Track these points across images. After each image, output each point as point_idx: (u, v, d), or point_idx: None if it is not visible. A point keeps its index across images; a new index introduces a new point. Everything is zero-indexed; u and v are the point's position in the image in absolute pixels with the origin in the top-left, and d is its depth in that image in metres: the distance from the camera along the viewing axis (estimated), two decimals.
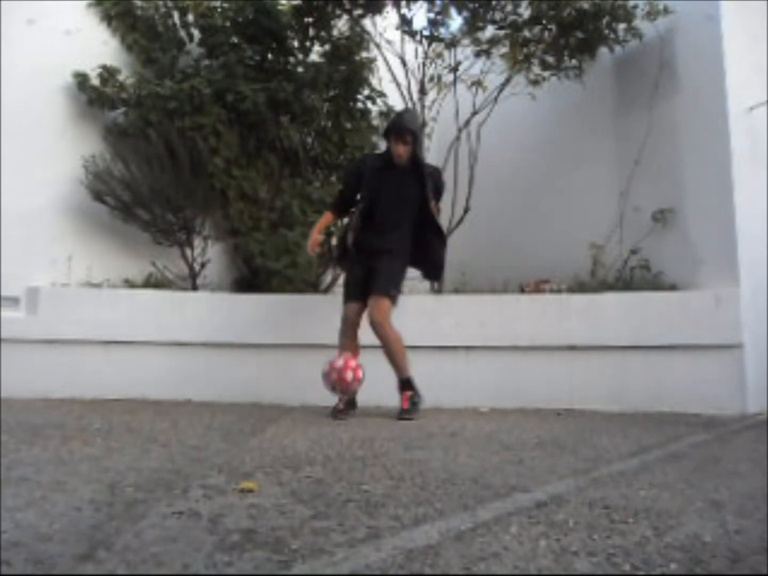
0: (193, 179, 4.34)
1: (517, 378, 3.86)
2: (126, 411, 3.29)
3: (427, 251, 3.53)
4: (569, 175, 4.91)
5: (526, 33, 4.48)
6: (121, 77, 4.51)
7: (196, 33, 4.87)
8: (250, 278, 4.61)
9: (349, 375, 3.16)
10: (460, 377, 3.89)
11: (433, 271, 3.70)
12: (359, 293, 3.39)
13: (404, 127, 3.44)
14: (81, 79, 4.39)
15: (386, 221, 3.44)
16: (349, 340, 3.40)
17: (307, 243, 3.65)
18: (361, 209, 3.47)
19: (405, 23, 4.58)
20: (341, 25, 5.02)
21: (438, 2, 4.53)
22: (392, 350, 3.32)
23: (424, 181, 3.48)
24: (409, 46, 4.69)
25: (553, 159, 5.06)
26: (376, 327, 3.29)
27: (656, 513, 1.60)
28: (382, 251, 3.40)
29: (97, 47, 4.56)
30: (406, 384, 3.37)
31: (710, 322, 3.74)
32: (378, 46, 4.74)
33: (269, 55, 4.95)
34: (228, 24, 4.81)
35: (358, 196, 3.55)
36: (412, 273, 4.57)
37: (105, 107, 4.46)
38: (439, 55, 4.79)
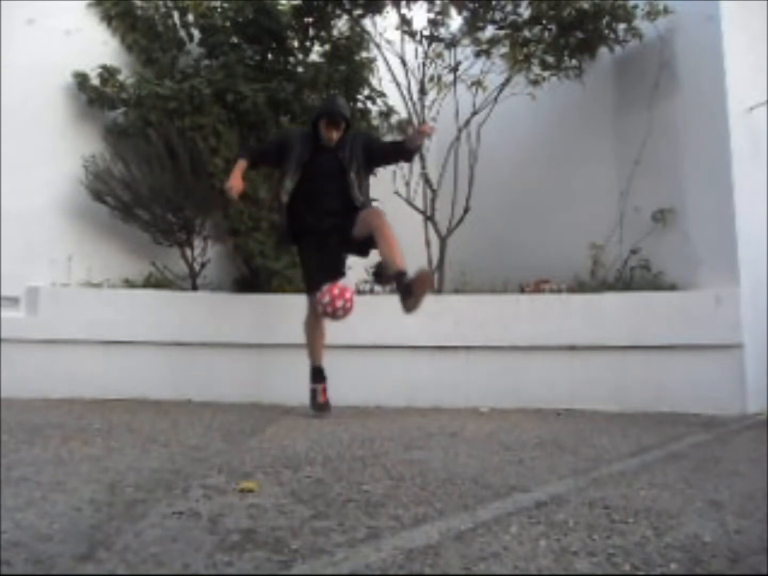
0: (193, 179, 4.33)
1: (517, 378, 3.86)
2: (126, 411, 3.29)
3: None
4: (569, 175, 4.91)
5: (526, 33, 4.48)
6: (121, 77, 4.51)
7: (196, 33, 4.87)
8: (250, 278, 4.60)
9: (339, 303, 3.04)
10: (460, 377, 3.89)
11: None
12: (325, 276, 3.24)
13: (340, 114, 3.37)
14: (81, 79, 4.38)
15: (321, 200, 3.37)
16: (321, 335, 3.40)
17: (226, 187, 3.39)
18: (291, 189, 3.38)
19: (405, 23, 4.58)
20: (341, 25, 5.01)
21: (438, 2, 4.54)
22: (392, 238, 3.11)
23: (341, 157, 3.39)
24: (409, 46, 4.69)
25: (553, 159, 5.06)
26: (373, 216, 3.18)
27: (656, 513, 1.60)
28: (331, 229, 3.35)
29: (97, 47, 4.55)
30: (405, 275, 3.02)
31: (710, 322, 3.74)
32: (378, 46, 4.74)
33: (269, 55, 4.95)
34: (228, 24, 4.80)
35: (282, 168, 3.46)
36: (412, 272, 4.59)
37: (105, 107, 4.46)
38: (439, 55, 4.79)
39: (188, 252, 4.47)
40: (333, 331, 3.65)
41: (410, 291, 2.93)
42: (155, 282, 4.32)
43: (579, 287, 4.24)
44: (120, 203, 4.30)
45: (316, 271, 3.39)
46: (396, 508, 1.59)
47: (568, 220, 4.83)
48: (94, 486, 1.74)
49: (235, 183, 3.40)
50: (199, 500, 1.63)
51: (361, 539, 1.35)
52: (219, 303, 4.13)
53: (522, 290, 4.37)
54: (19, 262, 3.98)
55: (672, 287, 4.01)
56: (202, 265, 4.52)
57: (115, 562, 1.19)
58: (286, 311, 4.02)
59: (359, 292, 4.49)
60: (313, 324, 3.42)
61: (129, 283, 4.26)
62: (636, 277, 4.21)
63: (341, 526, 1.43)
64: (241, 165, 3.52)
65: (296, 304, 4.05)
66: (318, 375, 3.46)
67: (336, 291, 3.04)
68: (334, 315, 3.07)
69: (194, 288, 4.42)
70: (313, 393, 3.42)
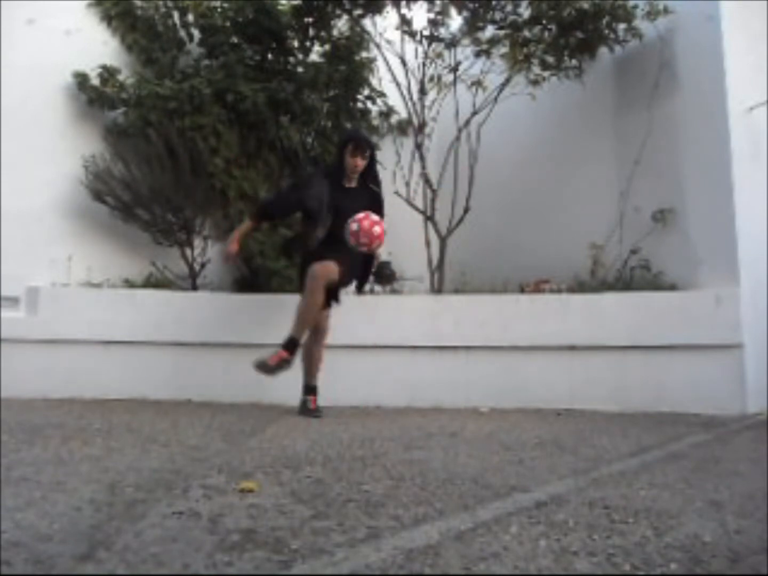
0: (193, 179, 4.33)
1: (517, 378, 3.86)
2: (126, 411, 3.29)
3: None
4: (569, 175, 4.91)
5: (526, 33, 4.47)
6: (121, 77, 4.51)
7: (196, 33, 4.87)
8: (250, 278, 4.61)
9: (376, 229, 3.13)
10: (460, 377, 3.89)
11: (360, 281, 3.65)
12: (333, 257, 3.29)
13: (366, 140, 3.50)
14: (81, 79, 4.39)
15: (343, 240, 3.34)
16: (318, 359, 3.44)
17: (225, 252, 3.56)
18: (316, 228, 3.40)
19: (405, 23, 4.57)
20: (341, 25, 5.02)
21: (438, 2, 4.54)
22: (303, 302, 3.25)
23: (375, 198, 3.53)
24: (409, 46, 4.68)
25: (553, 159, 5.06)
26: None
27: (656, 513, 1.60)
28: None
29: (97, 47, 4.56)
30: (292, 345, 3.19)
31: (710, 322, 3.74)
32: (378, 46, 4.74)
33: (269, 55, 4.95)
34: (228, 24, 4.80)
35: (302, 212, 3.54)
36: (412, 272, 4.59)
37: (105, 107, 4.46)
38: (439, 55, 4.79)
39: (188, 252, 4.47)
40: (333, 331, 3.65)
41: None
42: (155, 282, 4.32)
43: (579, 287, 4.24)
44: (120, 203, 4.30)
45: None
46: (396, 508, 1.59)
47: (568, 220, 4.82)
48: (94, 486, 1.74)
49: (232, 250, 3.49)
50: (199, 500, 1.63)
51: (361, 539, 1.35)
52: (219, 303, 4.13)
53: (522, 290, 4.37)
54: (19, 262, 3.98)
55: (672, 287, 4.01)
56: (202, 265, 4.52)
57: (115, 562, 1.19)
58: (286, 311, 4.01)
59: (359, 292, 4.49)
60: (311, 347, 3.44)
61: (129, 283, 4.26)
62: (636, 277, 4.21)
63: (341, 526, 1.43)
64: (246, 227, 3.57)
65: (296, 305, 4.06)
66: (311, 390, 3.46)
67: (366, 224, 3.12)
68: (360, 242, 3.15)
69: (194, 288, 4.42)
70: (304, 403, 3.42)
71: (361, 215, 3.16)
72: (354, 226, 3.13)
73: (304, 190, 3.48)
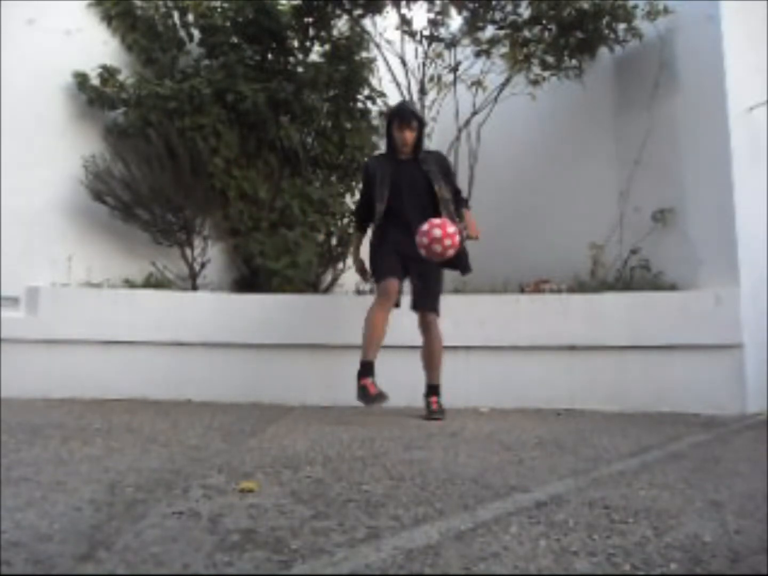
0: (193, 179, 4.34)
1: (517, 378, 3.86)
2: (126, 411, 3.29)
3: None
4: (569, 175, 4.91)
5: (526, 33, 4.48)
6: (121, 77, 4.51)
7: (196, 33, 4.87)
8: (250, 278, 4.61)
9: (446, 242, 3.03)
10: (460, 377, 3.89)
11: (461, 263, 3.50)
12: (397, 272, 3.26)
13: (410, 112, 3.41)
14: (81, 79, 4.39)
15: (409, 216, 3.29)
16: (376, 330, 3.19)
17: (357, 272, 3.70)
18: (383, 210, 3.36)
19: (405, 23, 4.58)
20: (341, 25, 5.02)
21: (438, 2, 4.54)
22: (439, 354, 3.36)
23: (426, 170, 3.39)
24: (409, 46, 4.69)
25: (553, 159, 5.06)
26: (431, 327, 3.32)
27: (656, 513, 1.60)
28: (420, 258, 3.22)
29: (97, 47, 4.56)
30: (436, 390, 3.40)
31: (710, 322, 3.74)
32: (378, 46, 4.75)
33: (269, 55, 4.95)
34: (228, 24, 4.81)
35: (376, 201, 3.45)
36: None
37: (105, 107, 4.46)
38: (439, 55, 4.79)
39: (188, 252, 4.47)
40: (332, 330, 3.66)
41: (427, 410, 3.34)
42: (155, 282, 4.33)
43: (579, 287, 4.23)
44: (120, 203, 4.30)
45: (386, 267, 3.31)
46: (396, 508, 1.59)
47: (568, 220, 4.82)
48: (94, 486, 1.74)
49: (355, 262, 3.66)
50: (199, 500, 1.62)
51: (361, 539, 1.35)
52: (219, 303, 4.13)
53: (522, 290, 4.37)
54: (19, 262, 3.98)
55: (672, 287, 4.01)
56: (202, 265, 4.52)
57: (115, 562, 1.19)
58: (286, 311, 4.02)
59: (359, 292, 4.49)
60: (370, 317, 3.21)
61: (129, 283, 4.26)
62: (636, 277, 4.21)
63: (341, 526, 1.43)
64: (356, 240, 3.72)
65: (296, 304, 4.07)
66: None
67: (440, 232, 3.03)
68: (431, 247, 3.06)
69: (194, 288, 4.42)
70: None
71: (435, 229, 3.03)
72: (424, 240, 3.03)
73: (365, 179, 3.55)
